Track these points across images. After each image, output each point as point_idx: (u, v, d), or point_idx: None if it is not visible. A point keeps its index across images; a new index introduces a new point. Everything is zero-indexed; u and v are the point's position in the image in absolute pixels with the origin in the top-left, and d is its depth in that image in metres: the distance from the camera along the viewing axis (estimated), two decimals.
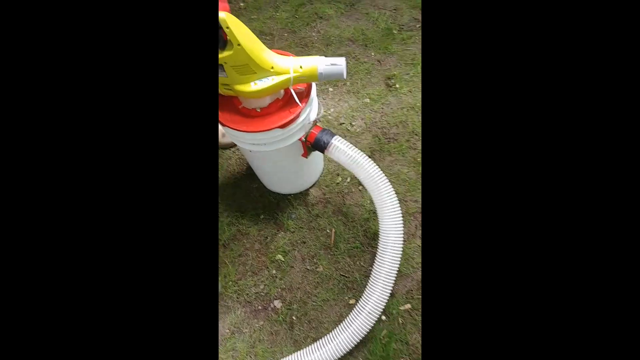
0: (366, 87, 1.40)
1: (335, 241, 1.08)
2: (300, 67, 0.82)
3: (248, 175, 1.22)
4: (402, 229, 0.89)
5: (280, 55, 0.84)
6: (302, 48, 1.56)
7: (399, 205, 0.89)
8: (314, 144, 0.94)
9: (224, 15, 0.71)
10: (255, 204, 1.17)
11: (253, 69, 0.80)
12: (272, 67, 0.82)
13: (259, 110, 0.89)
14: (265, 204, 1.16)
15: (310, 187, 1.19)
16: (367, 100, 1.36)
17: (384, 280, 0.88)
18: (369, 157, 1.21)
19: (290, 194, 1.18)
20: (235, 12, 1.74)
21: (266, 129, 0.86)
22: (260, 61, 0.80)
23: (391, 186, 0.90)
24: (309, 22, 1.65)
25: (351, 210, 1.12)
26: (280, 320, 0.98)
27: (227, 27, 0.73)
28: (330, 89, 1.42)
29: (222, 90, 0.88)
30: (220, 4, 0.75)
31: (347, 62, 1.48)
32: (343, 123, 1.31)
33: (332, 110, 1.36)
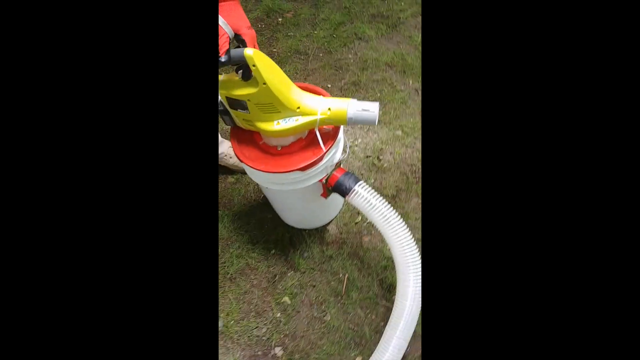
0: (399, 118, 1.32)
1: (347, 288, 1.00)
2: (329, 109, 0.75)
3: (264, 204, 1.17)
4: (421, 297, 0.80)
5: (309, 93, 0.78)
6: (336, 70, 1.49)
7: (420, 276, 0.81)
8: (334, 188, 0.87)
9: (251, 52, 0.66)
10: (267, 236, 1.11)
11: (277, 108, 0.74)
12: (299, 107, 0.75)
13: (279, 148, 0.82)
14: (278, 238, 1.10)
15: (328, 224, 1.12)
16: (399, 132, 1.28)
17: (396, 343, 0.79)
18: (394, 196, 1.14)
19: (305, 229, 1.11)
20: (272, 27, 1.70)
21: (285, 170, 0.79)
22: (287, 101, 0.74)
23: (417, 251, 0.81)
24: (347, 43, 1.59)
25: (368, 256, 1.04)
26: None
27: (254, 65, 0.67)
28: None
29: (242, 124, 0.83)
30: (250, 42, 0.69)
31: (382, 89, 1.40)
32: (370, 156, 1.23)
33: (359, 140, 1.28)
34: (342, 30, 1.64)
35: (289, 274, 1.05)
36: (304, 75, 1.47)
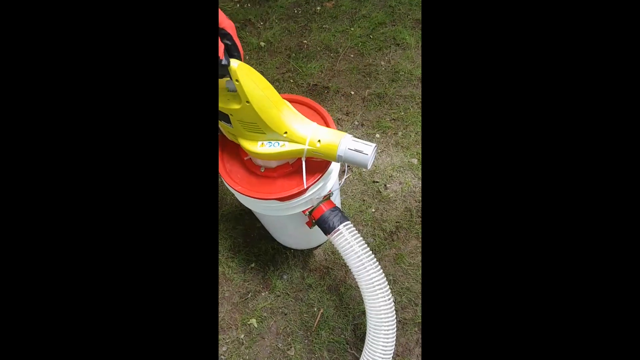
0: (419, 144, 1.19)
1: (319, 325, 0.92)
2: (319, 141, 0.66)
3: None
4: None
5: (301, 118, 0.68)
6: (364, 76, 1.37)
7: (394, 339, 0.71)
8: (318, 222, 0.78)
9: (235, 65, 0.57)
10: (250, 247, 1.05)
11: (262, 129, 0.65)
12: (286, 132, 0.66)
13: (262, 170, 0.74)
14: (261, 252, 1.04)
15: (315, 248, 1.04)
16: (415, 161, 1.16)
17: None
18: (392, 232, 1.03)
19: (290, 249, 1.04)
20: (308, 16, 1.58)
21: (262, 197, 0.71)
22: (273, 123, 0.65)
23: (393, 310, 0.72)
24: (382, 47, 1.45)
25: (349, 295, 0.96)
26: None
27: (237, 80, 0.58)
28: (378, 135, 1.22)
29: (228, 136, 0.75)
30: (234, 34, 0.60)
31: (408, 108, 1.27)
32: (377, 182, 1.12)
33: (364, 170, 1.16)
34: (380, 32, 1.50)
35: (262, 294, 0.98)
36: (329, 75, 1.36)
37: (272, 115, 0.65)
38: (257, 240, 1.06)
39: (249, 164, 0.76)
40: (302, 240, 1.00)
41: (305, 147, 0.66)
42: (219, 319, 0.96)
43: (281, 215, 0.81)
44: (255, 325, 0.94)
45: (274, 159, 0.71)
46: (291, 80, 1.36)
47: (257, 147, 0.68)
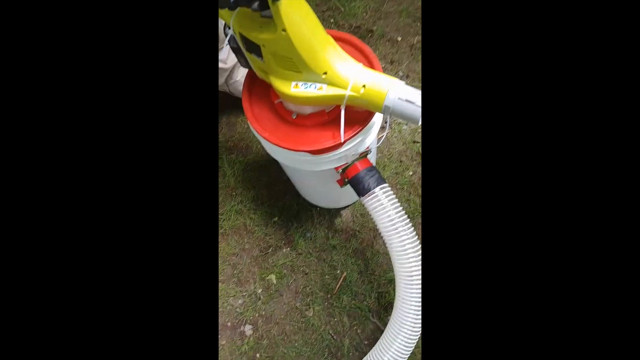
0: None
1: (340, 289, 0.87)
2: (364, 86, 0.55)
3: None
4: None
5: (346, 57, 0.57)
6: (414, 21, 1.20)
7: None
8: (351, 182, 0.70)
9: None
10: (274, 200, 0.99)
11: (298, 67, 0.55)
12: (325, 73, 0.56)
13: (294, 116, 0.65)
14: (285, 206, 0.98)
15: (343, 208, 0.96)
16: None
17: None
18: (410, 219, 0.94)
19: (317, 206, 0.97)
20: None
21: (291, 147, 0.63)
22: (312, 61, 0.55)
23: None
24: None
25: (375, 260, 0.89)
26: (242, 351, 0.85)
27: (275, 1, 0.48)
28: None
29: (257, 73, 0.65)
30: None
31: None
32: (417, 142, 1.01)
33: (405, 127, 1.04)
34: None
35: (283, 250, 0.94)
36: (375, 17, 1.20)
37: (311, 50, 0.54)
38: (281, 194, 0.99)
39: (279, 108, 0.67)
40: (330, 198, 0.93)
41: (347, 92, 0.56)
42: (237, 271, 0.92)
43: (310, 170, 0.73)
44: (274, 282, 0.90)
45: (308, 104, 0.61)
46: (331, 20, 1.22)
47: (290, 88, 0.59)
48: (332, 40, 0.58)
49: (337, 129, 0.63)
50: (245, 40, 0.57)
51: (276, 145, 0.64)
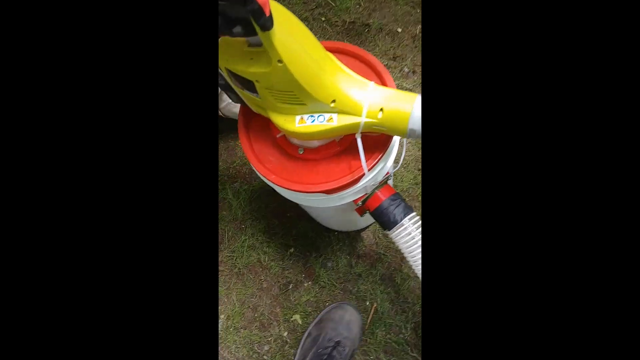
0: None
1: (372, 322, 0.80)
2: (381, 109, 0.47)
3: None
4: None
5: (354, 76, 0.49)
6: (413, 7, 1.10)
7: None
8: (373, 214, 0.62)
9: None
10: (288, 229, 0.91)
11: (301, 98, 0.47)
12: (334, 101, 0.47)
13: (301, 152, 0.57)
14: (300, 235, 0.90)
15: (364, 229, 0.88)
16: None
17: None
18: None
19: (334, 231, 0.89)
20: None
21: (303, 189, 0.55)
22: (316, 90, 0.46)
23: None
24: None
25: (406, 286, 0.82)
26: None
27: (264, 22, 0.39)
28: None
29: (253, 107, 0.57)
30: None
31: None
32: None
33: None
34: None
35: (305, 285, 0.86)
36: (369, 9, 1.10)
37: (315, 78, 0.46)
38: (294, 221, 0.92)
39: (283, 143, 0.58)
40: (348, 224, 0.85)
41: (362, 119, 0.48)
42: (258, 314, 0.85)
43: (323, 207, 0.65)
44: (300, 322, 0.83)
45: (318, 138, 0.53)
46: (322, 19, 1.12)
47: (294, 124, 0.50)
48: (334, 59, 0.49)
49: (352, 159, 0.55)
50: (234, 75, 0.49)
51: (287, 188, 0.56)
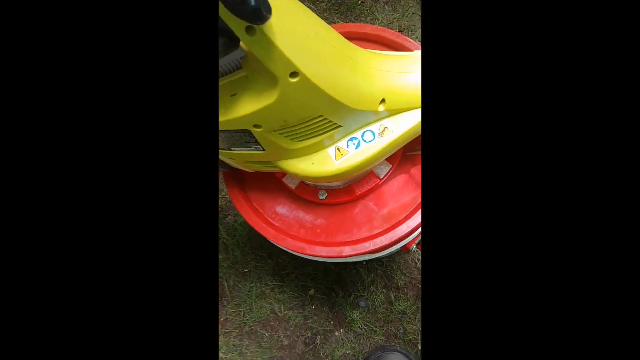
0: None
1: None
2: None
3: None
4: None
5: (399, 56, 0.33)
6: None
7: None
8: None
9: None
10: (301, 267, 0.74)
11: (334, 119, 0.29)
12: (384, 101, 0.31)
13: (323, 196, 0.39)
14: (318, 270, 0.73)
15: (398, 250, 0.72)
16: None
17: None
18: None
19: (363, 260, 0.72)
20: None
21: (337, 255, 0.37)
22: (355, 97, 0.31)
23: None
24: None
25: None
26: None
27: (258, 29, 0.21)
28: None
29: (245, 166, 0.38)
30: None
31: None
32: None
33: None
34: None
35: (336, 334, 0.70)
36: None
37: (350, 80, 0.30)
38: None
39: (288, 187, 0.40)
40: None
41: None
42: None
43: None
44: None
45: (372, 165, 0.35)
46: None
47: (332, 161, 0.33)
48: (352, 45, 0.31)
49: (403, 187, 0.37)
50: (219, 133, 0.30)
51: (310, 255, 0.38)
